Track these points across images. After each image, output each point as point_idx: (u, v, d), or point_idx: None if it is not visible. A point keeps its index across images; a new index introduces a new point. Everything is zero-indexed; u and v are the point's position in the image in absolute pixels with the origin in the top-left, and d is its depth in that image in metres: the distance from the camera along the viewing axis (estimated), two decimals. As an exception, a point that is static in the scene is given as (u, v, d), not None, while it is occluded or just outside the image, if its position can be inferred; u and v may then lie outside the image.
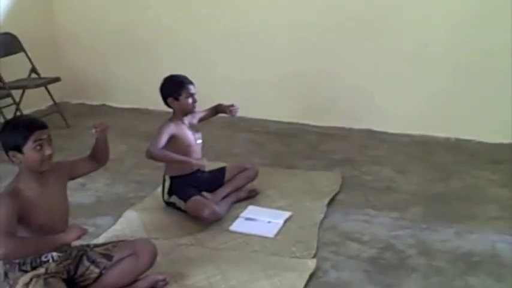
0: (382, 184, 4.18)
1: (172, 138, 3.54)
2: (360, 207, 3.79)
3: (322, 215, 3.65)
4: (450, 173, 4.38)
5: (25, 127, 2.55)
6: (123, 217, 3.62)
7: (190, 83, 3.63)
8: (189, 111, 3.65)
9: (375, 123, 5.37)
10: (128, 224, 3.53)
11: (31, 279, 2.52)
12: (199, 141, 3.75)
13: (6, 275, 2.59)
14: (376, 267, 3.09)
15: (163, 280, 2.84)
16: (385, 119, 5.34)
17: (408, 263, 3.13)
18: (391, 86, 5.28)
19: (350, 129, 5.42)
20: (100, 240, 3.25)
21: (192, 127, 3.73)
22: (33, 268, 2.57)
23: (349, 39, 5.30)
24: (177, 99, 3.61)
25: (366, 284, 2.94)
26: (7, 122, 2.79)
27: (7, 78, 5.29)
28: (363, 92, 5.37)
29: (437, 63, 5.09)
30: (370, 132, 5.35)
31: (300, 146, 5.05)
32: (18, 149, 2.53)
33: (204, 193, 3.66)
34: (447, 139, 5.12)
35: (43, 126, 2.58)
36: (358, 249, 3.27)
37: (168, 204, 3.70)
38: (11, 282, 2.56)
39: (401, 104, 5.27)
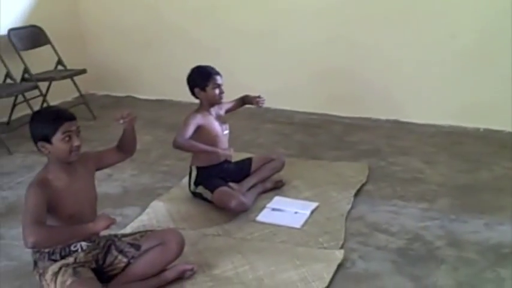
0: (410, 175, 4.13)
1: (199, 129, 3.54)
2: (388, 198, 3.75)
3: (349, 206, 3.62)
4: (479, 163, 4.32)
5: (54, 118, 2.56)
6: (149, 207, 3.63)
7: (218, 73, 3.62)
8: (215, 102, 3.65)
9: (401, 114, 5.32)
10: (155, 214, 3.54)
11: (60, 268, 2.54)
12: (226, 132, 3.74)
13: (36, 263, 2.61)
14: (404, 258, 3.05)
15: (191, 270, 2.84)
16: (412, 109, 5.28)
17: (437, 254, 3.09)
18: (419, 76, 5.21)
19: (376, 120, 5.38)
20: (127, 230, 3.27)
21: (219, 118, 3.73)
22: (63, 257, 2.58)
23: (377, 29, 5.23)
24: (204, 90, 3.60)
25: (395, 275, 2.91)
26: (37, 113, 2.81)
27: (34, 70, 5.34)
28: (390, 83, 5.31)
29: (465, 53, 5.00)
30: (397, 123, 5.29)
31: (325, 136, 5.02)
32: (47, 139, 2.54)
33: (231, 184, 3.66)
34: (476, 129, 5.05)
35: (72, 118, 2.59)
36: (386, 240, 3.24)
37: (195, 194, 3.70)
38: (41, 271, 2.58)
39: (429, 95, 5.20)
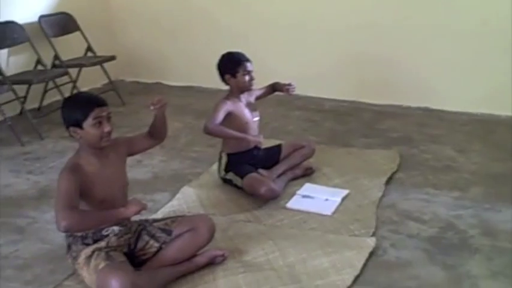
0: (442, 163, 4.08)
1: (229, 115, 3.52)
2: (420, 186, 3.71)
3: (380, 194, 3.58)
4: (513, 152, 4.25)
5: (85, 104, 2.58)
6: (180, 193, 3.63)
7: (248, 60, 3.60)
8: (245, 88, 3.63)
9: (433, 101, 5.25)
10: (185, 200, 3.55)
11: (93, 252, 2.56)
12: (256, 118, 3.72)
13: (69, 247, 2.64)
14: (437, 246, 3.01)
15: (222, 256, 2.84)
16: (443, 97, 5.20)
17: (471, 243, 3.05)
18: (450, 63, 5.13)
19: (407, 108, 5.32)
20: (158, 215, 3.28)
21: (250, 105, 3.71)
22: (95, 241, 2.60)
23: (407, 15, 5.17)
24: (234, 76, 3.58)
25: (427, 263, 2.87)
26: (68, 98, 2.84)
27: (64, 57, 5.38)
28: (421, 70, 5.24)
29: (497, 40, 4.91)
30: (428, 111, 5.23)
31: (356, 124, 4.98)
32: (79, 124, 2.56)
33: (260, 170, 3.64)
34: (509, 117, 4.95)
35: (103, 103, 2.60)
36: (418, 228, 3.20)
37: (225, 181, 3.69)
38: (74, 254, 2.60)
39: (460, 82, 5.12)
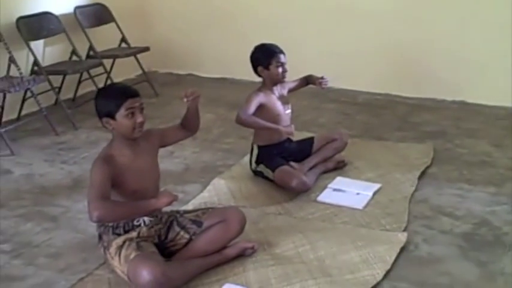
0: (477, 158, 4.01)
1: (261, 107, 3.52)
2: (454, 181, 3.65)
3: (413, 188, 3.54)
4: (550, 148, 4.15)
5: (118, 95, 2.60)
6: (211, 185, 3.64)
7: (281, 52, 3.58)
8: (278, 80, 3.61)
9: (469, 95, 5.15)
10: (216, 191, 3.55)
11: (124, 242, 2.58)
12: (288, 111, 3.71)
13: (100, 237, 2.67)
14: (470, 243, 2.96)
15: (252, 248, 2.83)
16: (480, 90, 5.10)
17: (505, 240, 2.99)
18: (487, 56, 5.02)
19: (443, 101, 5.24)
20: (189, 206, 3.29)
21: (282, 98, 3.69)
22: (126, 232, 2.62)
23: (443, 7, 5.09)
24: (267, 68, 3.57)
25: (460, 259, 2.83)
26: (102, 89, 2.86)
27: (98, 48, 5.43)
28: (457, 63, 5.15)
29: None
30: (464, 104, 5.14)
31: (389, 117, 4.92)
32: (111, 115, 2.58)
33: (292, 163, 3.62)
34: (547, 112, 4.86)
35: (135, 94, 2.61)
36: (451, 223, 3.15)
37: (256, 173, 3.69)
38: (105, 244, 2.63)
39: (497, 75, 5.01)
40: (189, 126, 2.96)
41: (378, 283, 2.63)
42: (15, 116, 4.95)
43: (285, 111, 3.68)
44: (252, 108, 3.47)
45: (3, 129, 4.41)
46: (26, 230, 3.20)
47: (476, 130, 4.54)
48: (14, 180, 3.86)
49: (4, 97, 4.71)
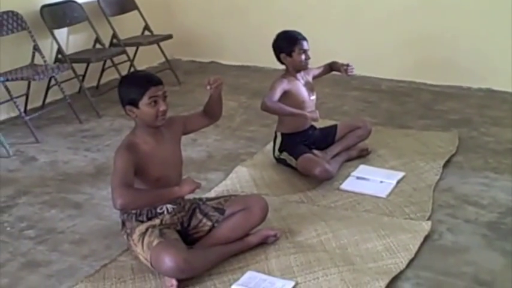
0: (503, 146, 3.95)
1: (286, 94, 3.50)
2: (479, 170, 3.60)
3: (437, 177, 3.50)
4: None
5: (141, 83, 2.60)
6: (233, 172, 3.64)
7: (304, 39, 3.55)
8: (301, 67, 3.59)
9: (495, 82, 5.07)
10: (238, 179, 3.55)
11: (147, 229, 2.59)
12: (313, 97, 3.68)
13: (123, 224, 2.68)
14: (495, 232, 2.93)
15: (274, 236, 2.83)
16: (506, 77, 5.00)
17: (531, 229, 2.95)
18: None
19: (468, 88, 5.17)
20: (211, 194, 3.30)
21: (307, 84, 3.67)
22: (149, 219, 2.63)
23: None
24: (290, 55, 3.55)
25: (485, 249, 2.80)
26: (125, 77, 2.87)
27: (122, 36, 5.44)
28: (482, 50, 5.07)
29: None
30: (490, 92, 5.07)
31: (413, 105, 4.87)
32: (134, 103, 2.58)
33: (315, 151, 3.61)
34: None
35: (158, 83, 2.61)
36: (476, 212, 3.12)
37: (279, 160, 3.68)
38: (128, 231, 2.64)
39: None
40: (211, 113, 2.96)
41: (401, 272, 2.61)
42: (39, 103, 5.00)
43: (310, 98, 3.66)
44: (277, 94, 3.45)
45: (28, 117, 4.45)
46: (50, 216, 3.24)
47: (502, 118, 4.47)
48: (38, 168, 3.90)
49: (29, 85, 4.76)
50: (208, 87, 2.82)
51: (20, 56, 4.73)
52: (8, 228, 3.12)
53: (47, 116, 4.77)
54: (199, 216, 2.75)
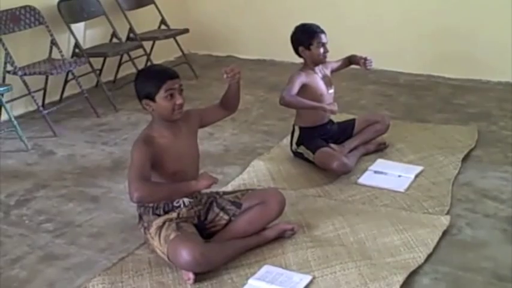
0: (523, 140, 3.91)
1: (304, 88, 3.47)
2: (498, 164, 3.56)
3: (456, 171, 3.46)
4: None
5: (157, 76, 2.60)
6: (250, 166, 3.63)
7: (322, 32, 3.53)
8: (319, 61, 3.57)
9: (514, 76, 5.02)
10: (255, 173, 3.54)
11: (164, 223, 2.59)
12: (331, 91, 3.66)
13: (140, 217, 2.68)
14: (515, 227, 2.90)
15: (291, 230, 2.81)
16: (526, 71, 4.97)
17: (551, 224, 2.91)
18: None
19: (487, 82, 5.12)
20: (228, 188, 3.29)
21: (325, 78, 3.64)
22: (166, 212, 2.63)
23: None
24: (308, 48, 3.52)
25: (505, 243, 2.76)
26: (141, 71, 2.86)
27: (138, 30, 5.45)
28: (502, 43, 5.00)
29: None
30: (510, 85, 5.00)
31: (432, 98, 4.83)
32: (151, 97, 2.58)
33: (332, 145, 3.58)
34: None
35: (174, 76, 2.61)
36: (495, 207, 3.08)
37: (296, 154, 3.66)
38: (145, 224, 2.64)
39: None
40: (228, 104, 2.94)
41: (419, 266, 2.58)
42: (57, 98, 5.03)
43: (328, 91, 3.63)
44: (296, 88, 3.42)
45: (46, 111, 4.47)
46: (68, 210, 3.26)
47: (522, 112, 4.43)
48: (56, 161, 3.92)
49: (46, 79, 4.78)
50: (225, 75, 2.81)
51: (38, 51, 4.75)
52: (27, 222, 3.14)
53: (64, 110, 4.79)
54: (216, 210, 2.74)
